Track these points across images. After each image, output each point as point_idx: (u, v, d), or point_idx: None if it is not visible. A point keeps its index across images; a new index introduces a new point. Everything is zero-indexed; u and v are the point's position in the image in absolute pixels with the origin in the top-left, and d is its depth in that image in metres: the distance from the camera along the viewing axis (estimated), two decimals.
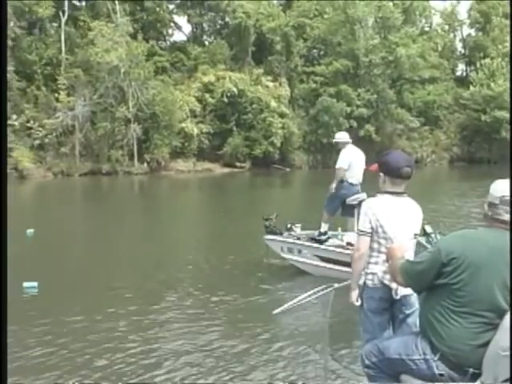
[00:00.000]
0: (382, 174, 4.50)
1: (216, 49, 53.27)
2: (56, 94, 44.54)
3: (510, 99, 49.39)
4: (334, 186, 9.98)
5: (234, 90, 48.60)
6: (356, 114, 52.74)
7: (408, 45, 55.19)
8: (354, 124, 52.43)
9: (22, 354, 6.50)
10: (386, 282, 4.34)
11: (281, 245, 10.55)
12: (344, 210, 10.13)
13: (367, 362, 3.90)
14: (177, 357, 6.43)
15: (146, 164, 45.98)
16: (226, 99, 48.70)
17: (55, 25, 49.18)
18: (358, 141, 53.39)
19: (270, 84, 51.68)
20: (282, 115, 50.14)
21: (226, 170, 48.15)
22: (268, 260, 11.13)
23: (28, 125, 43.13)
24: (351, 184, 9.91)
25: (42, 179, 41.18)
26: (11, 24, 43.68)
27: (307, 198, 22.60)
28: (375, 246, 4.43)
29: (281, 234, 10.63)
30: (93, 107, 44.58)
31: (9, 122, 41.69)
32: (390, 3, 57.81)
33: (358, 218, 4.64)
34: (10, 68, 42.49)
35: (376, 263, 4.42)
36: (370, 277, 4.44)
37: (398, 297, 4.35)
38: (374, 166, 4.64)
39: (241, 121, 49.51)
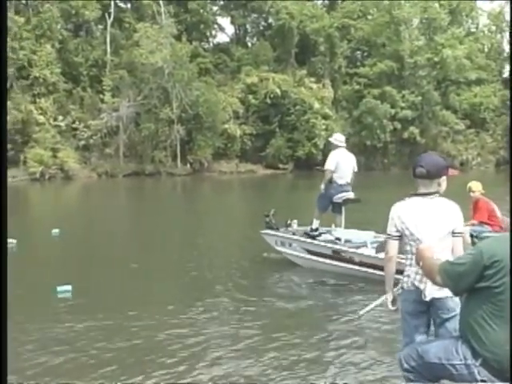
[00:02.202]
0: (412, 176, 4.49)
1: (259, 50, 53.34)
2: (101, 95, 45.18)
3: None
4: (322, 186, 10.65)
5: (278, 91, 48.56)
6: (400, 116, 52.23)
7: (454, 46, 54.34)
8: (398, 126, 52.07)
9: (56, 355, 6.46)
10: (416, 283, 4.32)
11: (275, 239, 11.23)
12: (333, 207, 10.83)
13: (406, 365, 3.85)
14: (217, 358, 6.31)
15: (188, 165, 46.31)
16: (269, 100, 48.73)
17: (101, 27, 49.92)
18: (402, 143, 53.44)
19: (314, 85, 51.51)
20: (325, 117, 49.89)
21: (269, 171, 48.15)
22: (268, 254, 11.71)
23: (74, 126, 43.80)
24: (339, 185, 10.56)
25: (87, 180, 41.71)
26: (58, 27, 44.45)
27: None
28: (408, 248, 4.41)
29: (277, 229, 11.27)
30: (137, 108, 45.05)
31: (55, 122, 42.48)
32: (436, 4, 57.10)
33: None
34: (57, 70, 43.23)
35: (410, 265, 4.38)
36: (405, 279, 4.42)
37: (427, 299, 4.27)
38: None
39: (284, 122, 49.46)
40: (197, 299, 8.68)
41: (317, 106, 49.60)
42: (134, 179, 42.06)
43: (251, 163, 49.17)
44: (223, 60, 53.93)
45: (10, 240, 12.89)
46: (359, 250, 9.77)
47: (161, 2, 48.33)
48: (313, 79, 52.20)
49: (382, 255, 8.95)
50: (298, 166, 48.57)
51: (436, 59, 54.34)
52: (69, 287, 9.01)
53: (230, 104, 48.01)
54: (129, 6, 53.18)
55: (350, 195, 10.61)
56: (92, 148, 44.36)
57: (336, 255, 10.11)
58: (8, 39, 40.28)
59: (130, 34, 47.32)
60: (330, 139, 11.09)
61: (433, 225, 4.32)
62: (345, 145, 10.82)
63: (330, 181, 10.51)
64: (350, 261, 9.80)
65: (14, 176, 39.70)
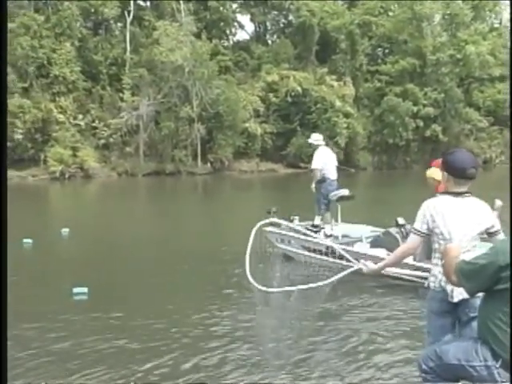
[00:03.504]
0: (445, 173, 4.34)
1: (280, 48, 53.10)
2: (121, 94, 45.14)
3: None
4: (313, 185, 11.38)
5: (298, 89, 48.19)
6: (422, 114, 51.57)
7: (478, 42, 53.56)
8: (421, 124, 51.49)
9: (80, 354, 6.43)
10: (443, 283, 4.24)
11: (276, 236, 11.58)
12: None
13: (424, 366, 3.84)
14: (222, 356, 6.30)
15: (209, 164, 46.08)
16: (289, 99, 48.44)
17: (120, 25, 49.97)
18: (424, 141, 52.80)
19: (335, 83, 50.98)
20: (346, 115, 49.34)
21: (290, 170, 47.72)
22: (272, 249, 11.77)
23: (93, 124, 43.80)
24: (333, 180, 11.36)
25: (107, 179, 41.66)
26: (78, 25, 44.41)
27: (370, 198, 22.50)
28: (436, 246, 4.34)
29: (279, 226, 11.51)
30: (157, 107, 44.88)
31: (75, 121, 42.47)
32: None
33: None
34: (77, 68, 43.19)
35: (437, 265, 4.33)
36: (432, 279, 4.38)
37: (455, 300, 4.21)
38: (437, 162, 4.31)
39: (305, 121, 48.96)
40: (207, 299, 8.71)
41: (338, 104, 49.07)
42: (154, 178, 41.92)
43: (272, 162, 48.85)
44: (243, 58, 53.64)
45: (26, 240, 12.86)
46: (350, 247, 9.71)
47: (180, 0, 48.09)
48: (334, 77, 51.66)
49: (375, 251, 9.36)
50: None
51: (459, 56, 53.51)
52: (85, 289, 8.93)
53: (250, 102, 47.71)
54: (148, 3, 53.08)
55: (346, 192, 11.12)
56: (112, 147, 44.28)
57: (330, 251, 10.25)
58: (28, 37, 40.49)
59: (149, 32, 47.11)
60: (310, 141, 11.86)
61: (464, 225, 4.24)
62: (324, 142, 11.68)
63: (324, 179, 11.21)
64: (342, 257, 9.63)
65: (34, 175, 39.81)
